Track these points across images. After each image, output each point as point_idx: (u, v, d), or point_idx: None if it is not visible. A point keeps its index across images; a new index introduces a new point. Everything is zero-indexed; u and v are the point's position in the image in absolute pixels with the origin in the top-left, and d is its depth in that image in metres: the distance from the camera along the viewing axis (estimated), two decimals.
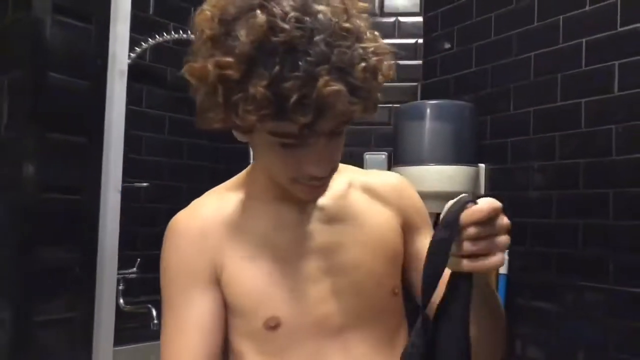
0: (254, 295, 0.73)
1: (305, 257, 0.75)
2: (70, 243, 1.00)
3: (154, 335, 2.11)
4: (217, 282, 0.74)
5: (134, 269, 2.04)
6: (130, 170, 2.05)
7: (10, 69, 0.99)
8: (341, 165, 0.80)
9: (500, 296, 0.83)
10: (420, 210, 0.88)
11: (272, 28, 0.58)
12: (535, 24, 1.88)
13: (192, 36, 1.87)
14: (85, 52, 1.00)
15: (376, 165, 2.24)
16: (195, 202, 0.82)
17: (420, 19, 2.30)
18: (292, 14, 0.58)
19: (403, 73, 2.24)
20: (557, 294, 1.75)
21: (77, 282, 1.00)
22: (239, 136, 0.70)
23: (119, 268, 1.91)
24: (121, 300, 1.99)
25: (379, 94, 0.66)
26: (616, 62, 1.62)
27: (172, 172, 2.29)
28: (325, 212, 0.79)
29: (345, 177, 0.83)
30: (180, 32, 2.19)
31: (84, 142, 1.00)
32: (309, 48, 0.58)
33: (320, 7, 0.60)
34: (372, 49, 0.63)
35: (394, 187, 0.86)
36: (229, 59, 0.59)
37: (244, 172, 0.83)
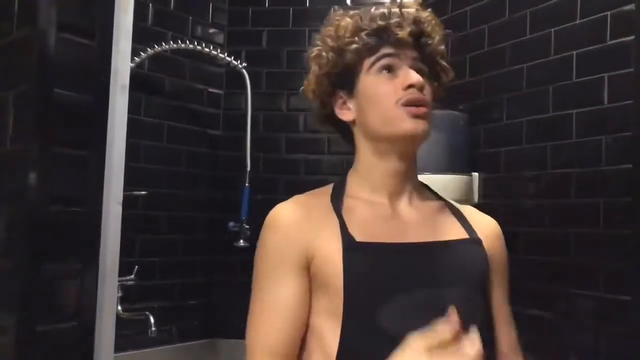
0: (332, 266, 0.80)
1: (382, 235, 0.84)
2: (72, 254, 1.02)
3: (152, 342, 2.13)
4: (307, 268, 0.83)
5: (132, 276, 2.05)
6: (128, 178, 2.07)
7: (16, 84, 1.01)
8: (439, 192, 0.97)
9: None
10: (506, 265, 0.98)
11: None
12: (528, 36, 1.92)
13: (190, 46, 1.93)
14: (88, 67, 1.02)
15: None
16: (295, 197, 0.91)
17: None
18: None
19: None
20: (549, 301, 1.78)
21: (78, 292, 1.02)
22: (344, 113, 0.91)
23: (118, 275, 1.93)
24: (119, 307, 2.01)
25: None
26: (606, 75, 1.66)
27: (170, 180, 2.31)
28: (415, 213, 0.89)
29: (442, 200, 0.96)
30: (179, 41, 2.21)
31: (86, 155, 1.03)
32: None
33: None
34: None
35: (493, 227, 0.97)
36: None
37: (335, 181, 0.94)
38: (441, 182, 1.96)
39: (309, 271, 0.82)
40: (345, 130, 0.94)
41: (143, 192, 2.10)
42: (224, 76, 2.52)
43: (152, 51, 2.13)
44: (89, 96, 1.02)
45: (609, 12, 1.65)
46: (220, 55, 2.31)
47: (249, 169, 2.33)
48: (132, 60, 2.05)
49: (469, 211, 0.96)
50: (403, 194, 0.90)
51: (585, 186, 1.70)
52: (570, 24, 1.77)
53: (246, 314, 0.85)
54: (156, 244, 2.24)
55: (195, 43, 2.25)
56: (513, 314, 1.91)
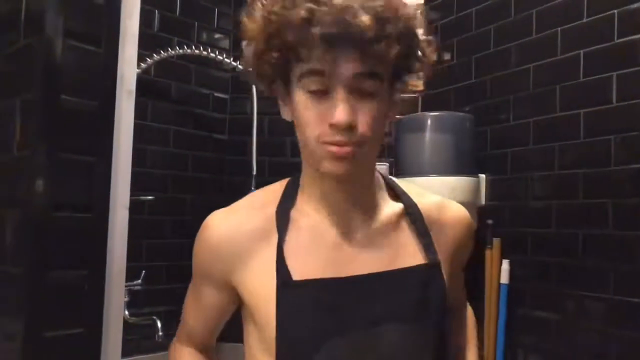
0: (264, 304, 0.74)
1: (324, 266, 0.76)
2: (79, 260, 1.02)
3: (159, 346, 2.13)
4: (229, 287, 0.80)
5: (139, 281, 2.06)
6: (135, 183, 2.08)
7: (23, 91, 1.02)
8: (404, 187, 0.84)
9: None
10: (468, 255, 0.90)
11: None
12: (534, 35, 1.91)
13: (197, 51, 1.92)
14: (94, 73, 1.03)
15: None
16: (232, 207, 0.83)
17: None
18: None
19: None
20: (557, 303, 1.77)
21: (85, 298, 1.03)
22: (283, 110, 0.79)
23: (125, 280, 1.94)
24: (126, 312, 2.01)
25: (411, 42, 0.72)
26: (614, 73, 1.65)
27: (176, 185, 2.31)
28: (368, 234, 0.78)
29: (404, 201, 0.83)
30: (185, 47, 2.22)
31: (93, 161, 1.03)
32: None
33: None
34: None
35: (463, 225, 0.86)
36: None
37: (285, 181, 0.84)
38: (448, 184, 1.96)
39: (233, 287, 0.79)
40: None
41: (150, 197, 2.11)
42: (230, 81, 2.53)
43: (158, 57, 2.14)
44: (96, 102, 1.02)
45: (615, 10, 1.64)
46: (226, 60, 2.32)
47: (254, 173, 2.33)
48: (139, 66, 2.06)
49: (436, 213, 0.83)
50: (354, 210, 0.78)
51: (594, 187, 1.69)
52: (577, 22, 1.76)
53: None
54: (163, 248, 2.25)
55: (201, 48, 2.26)
56: (520, 316, 1.90)
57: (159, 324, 2.01)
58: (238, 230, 0.78)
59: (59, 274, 0.99)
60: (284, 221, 0.77)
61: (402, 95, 0.80)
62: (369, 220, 0.79)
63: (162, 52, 2.15)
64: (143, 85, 2.12)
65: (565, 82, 1.79)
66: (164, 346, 2.20)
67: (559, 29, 1.82)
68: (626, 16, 1.62)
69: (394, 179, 0.88)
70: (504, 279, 1.91)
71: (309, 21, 0.66)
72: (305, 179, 0.81)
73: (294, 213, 0.78)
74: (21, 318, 0.96)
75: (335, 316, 0.74)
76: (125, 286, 1.99)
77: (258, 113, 2.36)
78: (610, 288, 1.61)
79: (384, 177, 0.85)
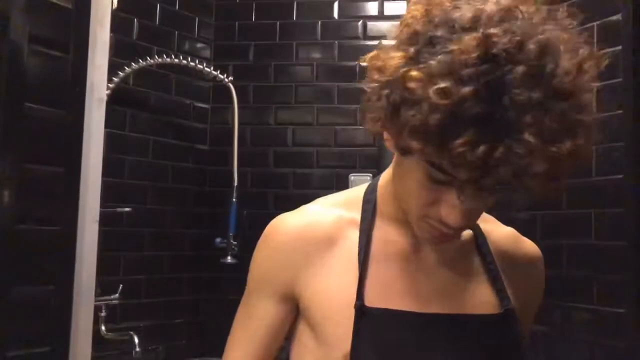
0: (336, 323, 0.68)
1: (402, 296, 0.71)
2: (45, 275, 0.98)
3: None
4: (291, 298, 0.73)
5: (117, 295, 2.00)
6: (113, 194, 2.04)
7: None
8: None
9: None
10: (540, 299, 0.83)
11: (486, 48, 0.53)
12: None
13: (176, 60, 1.86)
14: (62, 81, 0.99)
15: None
16: (302, 210, 0.76)
17: None
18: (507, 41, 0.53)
19: None
20: (542, 314, 1.75)
21: (52, 315, 0.98)
22: (389, 142, 0.69)
23: (101, 294, 1.89)
24: (103, 327, 1.96)
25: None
26: (594, 85, 1.65)
27: (156, 196, 2.27)
28: (441, 259, 0.73)
29: (474, 229, 0.76)
30: (164, 56, 2.19)
31: (61, 172, 0.99)
32: (519, 93, 0.52)
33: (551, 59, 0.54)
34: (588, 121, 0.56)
35: (532, 264, 0.81)
36: (419, 73, 0.55)
37: (362, 187, 0.79)
38: None
39: (294, 299, 0.73)
40: None
41: (127, 209, 2.06)
42: (211, 90, 2.49)
43: (137, 65, 2.10)
44: (63, 111, 0.99)
45: (595, 23, 1.65)
46: (207, 69, 2.29)
47: (236, 184, 2.30)
48: (117, 75, 2.03)
49: (508, 246, 0.79)
50: None
51: (577, 197, 1.68)
52: None
53: None
54: (141, 261, 2.20)
55: (181, 57, 2.23)
56: None
57: (137, 340, 1.96)
58: (312, 231, 0.71)
59: (23, 289, 0.94)
60: (368, 235, 0.71)
61: None
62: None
63: (140, 60, 2.11)
64: (121, 94, 2.09)
65: None
66: None
67: None
68: (606, 28, 1.63)
69: None
70: None
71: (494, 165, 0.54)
72: (386, 201, 0.75)
73: (376, 230, 0.73)
74: None
75: (415, 354, 0.68)
76: (102, 300, 1.95)
77: (239, 123, 2.33)
78: (594, 298, 1.60)
79: None
